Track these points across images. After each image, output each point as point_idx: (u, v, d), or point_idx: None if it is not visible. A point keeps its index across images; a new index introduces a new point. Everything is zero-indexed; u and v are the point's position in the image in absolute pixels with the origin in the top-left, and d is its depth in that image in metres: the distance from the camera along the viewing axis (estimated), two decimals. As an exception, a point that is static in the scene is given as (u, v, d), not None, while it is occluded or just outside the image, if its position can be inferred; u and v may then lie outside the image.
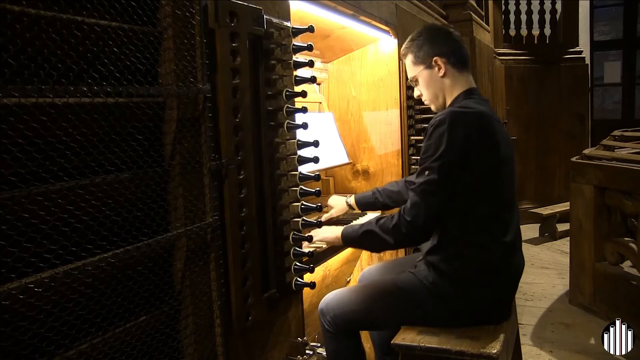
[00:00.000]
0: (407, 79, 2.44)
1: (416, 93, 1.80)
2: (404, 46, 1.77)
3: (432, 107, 1.78)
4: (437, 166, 1.47)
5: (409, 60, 1.75)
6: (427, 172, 1.49)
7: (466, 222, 1.52)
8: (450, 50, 1.66)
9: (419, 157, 2.47)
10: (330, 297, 1.72)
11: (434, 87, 1.70)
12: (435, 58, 1.66)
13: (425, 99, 1.77)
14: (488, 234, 1.53)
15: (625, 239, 3.03)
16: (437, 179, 1.47)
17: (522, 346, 2.27)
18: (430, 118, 2.60)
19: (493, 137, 1.52)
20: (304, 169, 1.56)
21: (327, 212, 2.17)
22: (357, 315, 1.65)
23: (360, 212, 2.28)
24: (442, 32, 1.71)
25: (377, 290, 1.67)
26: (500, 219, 1.55)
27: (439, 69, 1.66)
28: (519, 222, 1.64)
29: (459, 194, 1.50)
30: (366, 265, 2.55)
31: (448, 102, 1.69)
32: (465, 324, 1.55)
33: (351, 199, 2.15)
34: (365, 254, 2.55)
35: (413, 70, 1.74)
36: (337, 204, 2.17)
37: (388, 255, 2.50)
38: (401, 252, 2.51)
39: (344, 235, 1.70)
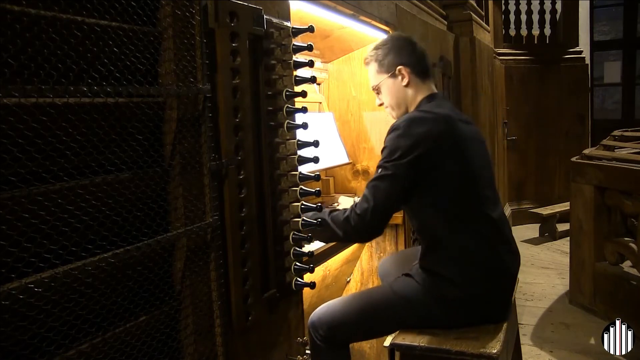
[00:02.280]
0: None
1: (377, 102, 1.82)
2: (368, 54, 1.78)
3: (393, 115, 1.77)
4: (389, 165, 1.50)
5: (372, 68, 1.76)
6: (380, 170, 1.53)
7: (450, 223, 1.53)
8: (415, 60, 1.69)
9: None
10: (322, 311, 1.68)
11: (397, 96, 1.71)
12: (399, 67, 1.68)
13: (387, 106, 1.77)
14: (475, 232, 1.55)
15: (625, 239, 3.03)
16: (388, 175, 1.50)
17: (522, 346, 2.27)
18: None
19: (452, 137, 1.54)
20: (304, 169, 1.56)
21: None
22: (354, 326, 1.63)
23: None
24: (407, 42, 1.73)
25: (373, 299, 1.65)
26: (484, 216, 1.57)
27: (403, 78, 1.68)
28: (504, 217, 1.66)
29: (433, 196, 1.52)
30: (366, 266, 2.55)
31: (411, 110, 1.71)
32: (466, 325, 1.55)
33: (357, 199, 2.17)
34: (365, 253, 2.55)
35: (376, 78, 1.76)
36: (346, 204, 2.19)
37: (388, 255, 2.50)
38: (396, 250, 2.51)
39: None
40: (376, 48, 1.75)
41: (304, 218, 1.52)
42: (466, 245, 1.53)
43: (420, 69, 1.69)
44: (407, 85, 1.69)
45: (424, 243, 1.60)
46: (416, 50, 1.72)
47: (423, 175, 1.51)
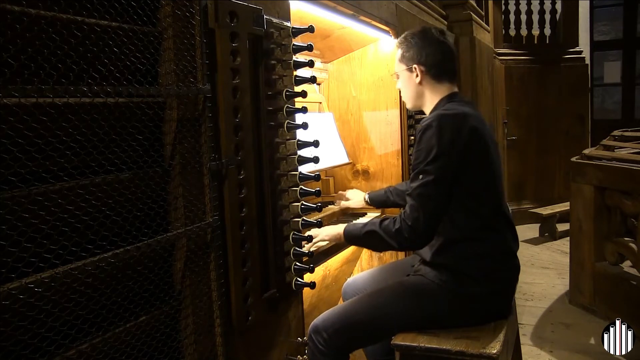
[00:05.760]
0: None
1: (397, 85, 1.84)
2: (398, 39, 1.79)
3: (408, 105, 1.82)
4: (431, 169, 1.48)
5: (397, 55, 1.78)
6: (421, 176, 1.50)
7: (472, 220, 1.54)
8: (435, 61, 1.67)
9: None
10: (327, 314, 1.62)
11: (409, 89, 1.75)
12: (415, 65, 1.69)
13: (402, 95, 1.82)
14: (493, 230, 1.57)
15: (625, 239, 3.02)
16: (432, 180, 1.48)
17: (522, 346, 2.26)
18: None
19: (482, 136, 1.56)
20: (304, 169, 1.56)
21: (340, 199, 2.27)
22: (364, 325, 1.57)
23: (361, 212, 2.29)
24: (435, 41, 1.70)
25: (386, 296, 1.61)
26: (503, 213, 1.60)
27: (417, 75, 1.70)
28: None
29: (460, 193, 1.52)
30: (366, 265, 2.55)
31: (427, 108, 1.73)
32: (476, 321, 1.55)
33: (367, 195, 2.22)
34: (365, 254, 2.55)
35: (397, 66, 1.78)
36: (356, 197, 2.26)
37: (388, 255, 2.50)
38: (396, 255, 2.51)
39: (346, 232, 1.70)
40: (405, 37, 1.76)
41: (304, 218, 1.52)
42: (491, 242, 1.55)
43: (437, 71, 1.68)
44: (420, 83, 1.70)
45: (441, 239, 1.57)
46: (440, 51, 1.69)
47: (459, 171, 1.51)
